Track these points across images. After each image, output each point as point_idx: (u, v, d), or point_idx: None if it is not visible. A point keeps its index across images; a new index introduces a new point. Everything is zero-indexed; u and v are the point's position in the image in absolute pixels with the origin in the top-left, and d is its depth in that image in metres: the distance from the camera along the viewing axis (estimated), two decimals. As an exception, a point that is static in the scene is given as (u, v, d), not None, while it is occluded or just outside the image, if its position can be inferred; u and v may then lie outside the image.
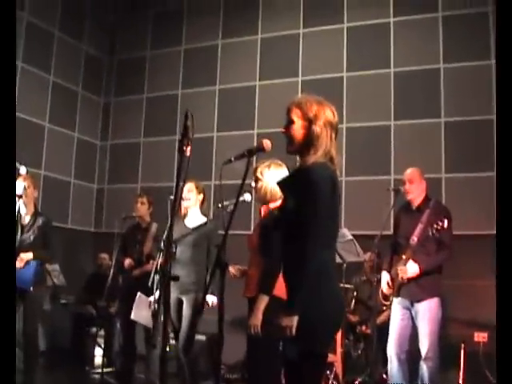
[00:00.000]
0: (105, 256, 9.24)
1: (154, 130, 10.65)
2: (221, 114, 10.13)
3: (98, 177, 11.15)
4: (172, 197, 6.01)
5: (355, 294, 7.54)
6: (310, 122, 3.40)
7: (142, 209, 7.26)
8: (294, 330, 3.13)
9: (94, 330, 8.95)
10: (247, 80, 10.01)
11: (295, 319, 3.15)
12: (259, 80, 9.92)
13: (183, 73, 10.64)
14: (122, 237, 7.25)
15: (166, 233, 5.76)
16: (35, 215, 6.30)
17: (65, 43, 10.58)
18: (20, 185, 6.08)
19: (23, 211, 6.26)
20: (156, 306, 5.60)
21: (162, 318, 3.88)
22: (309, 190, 3.25)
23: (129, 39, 11.35)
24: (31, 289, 6.02)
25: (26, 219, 6.25)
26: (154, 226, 7.14)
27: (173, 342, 6.28)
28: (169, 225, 3.68)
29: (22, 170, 5.47)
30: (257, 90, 9.91)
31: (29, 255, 6.04)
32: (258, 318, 4.11)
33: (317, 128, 3.37)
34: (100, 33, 11.36)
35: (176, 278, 3.37)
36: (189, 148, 3.56)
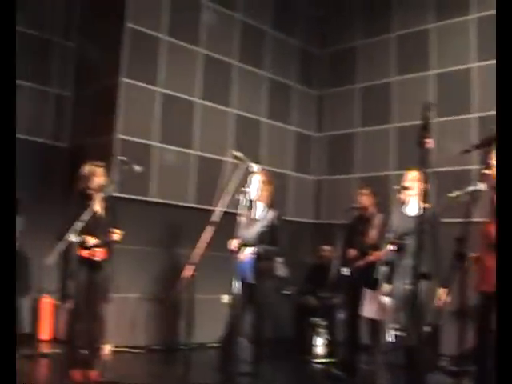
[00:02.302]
0: (326, 247, 9.29)
1: (369, 119, 10.56)
2: (437, 99, 9.75)
3: (315, 168, 11.29)
4: (396, 187, 5.93)
5: None
6: None
7: (365, 200, 7.21)
8: None
9: (315, 320, 9.05)
10: (463, 63, 9.55)
11: None
12: (478, 61, 9.42)
13: (395, 60, 10.40)
14: (347, 228, 7.23)
15: (390, 223, 5.65)
16: (267, 210, 6.40)
17: (277, 39, 10.84)
18: (256, 180, 6.20)
19: (258, 206, 6.38)
20: (385, 299, 5.52)
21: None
22: None
23: (339, 31, 11.36)
24: (250, 281, 6.10)
25: (258, 214, 6.37)
26: (379, 217, 7.06)
27: (399, 333, 6.15)
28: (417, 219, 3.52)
29: (254, 167, 5.57)
30: (473, 73, 9.42)
31: (248, 250, 6.16)
32: None
33: None
34: (311, 27, 11.49)
35: (427, 276, 3.24)
36: (429, 140, 3.38)
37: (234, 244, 6.06)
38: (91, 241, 5.88)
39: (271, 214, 6.34)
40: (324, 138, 11.31)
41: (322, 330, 9.02)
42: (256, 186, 6.23)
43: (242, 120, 10.14)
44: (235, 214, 6.15)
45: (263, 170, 5.96)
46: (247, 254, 6.11)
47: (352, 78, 10.94)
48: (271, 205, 6.42)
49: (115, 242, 6.05)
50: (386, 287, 5.79)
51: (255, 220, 6.34)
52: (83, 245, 5.85)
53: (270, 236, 6.26)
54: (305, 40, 11.38)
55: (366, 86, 10.75)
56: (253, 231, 6.25)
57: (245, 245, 6.14)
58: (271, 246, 6.23)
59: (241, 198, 5.87)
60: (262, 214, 6.37)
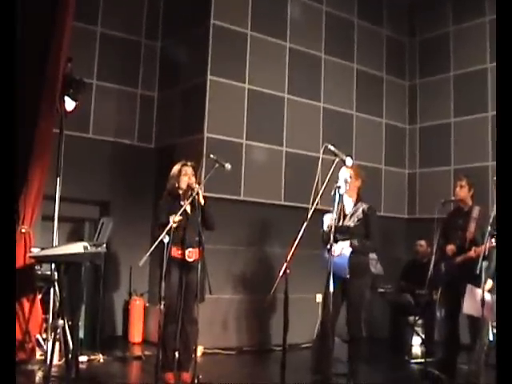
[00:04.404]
0: (422, 243, 9.15)
1: (465, 108, 10.31)
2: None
3: (408, 162, 11.19)
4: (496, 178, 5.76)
5: None
6: None
7: (463, 192, 7.04)
8: None
9: (411, 318, 8.94)
10: None
11: None
12: None
13: (490, 45, 10.12)
14: (443, 222, 7.09)
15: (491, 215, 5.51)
16: (357, 204, 6.40)
17: (365, 30, 10.76)
18: (345, 174, 6.20)
19: (347, 201, 6.36)
20: (487, 295, 5.39)
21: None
22: None
23: (428, 17, 11.17)
24: (347, 276, 6.09)
25: (348, 208, 6.35)
26: (477, 210, 6.88)
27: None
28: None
29: (348, 161, 5.51)
30: None
31: (345, 244, 6.14)
32: None
33: None
34: (399, 15, 11.36)
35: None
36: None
37: (330, 217, 6.04)
38: (175, 218, 5.92)
39: (363, 207, 6.36)
40: (417, 129, 11.16)
41: (419, 329, 8.92)
42: (345, 180, 6.21)
43: (331, 114, 10.14)
44: (327, 211, 6.17)
45: (353, 164, 5.91)
46: (341, 248, 6.10)
47: (445, 65, 10.71)
48: (359, 199, 6.44)
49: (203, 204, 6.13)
50: (488, 283, 5.66)
51: (346, 214, 6.32)
52: (175, 245, 5.96)
53: (363, 229, 6.28)
54: (393, 28, 11.25)
55: (461, 74, 10.50)
56: (346, 225, 6.23)
57: (337, 240, 6.12)
58: (365, 241, 6.24)
59: (333, 193, 5.89)
60: (352, 208, 6.37)
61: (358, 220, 6.29)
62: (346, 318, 6.24)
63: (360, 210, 6.35)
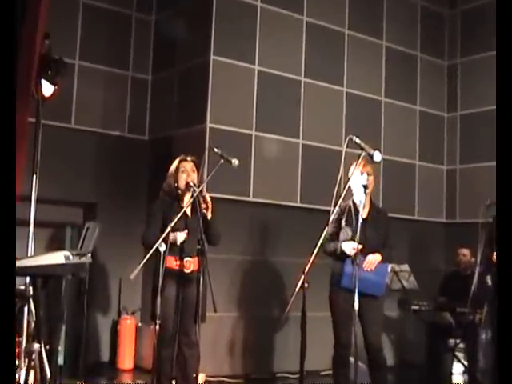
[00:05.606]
0: (465, 252, 9.09)
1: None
2: None
3: (447, 156, 11.14)
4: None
5: None
6: None
7: None
8: None
9: (452, 342, 8.88)
10: None
11: None
12: None
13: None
14: (488, 228, 7.03)
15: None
16: (373, 208, 6.43)
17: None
18: (365, 170, 6.15)
19: (360, 202, 6.31)
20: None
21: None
22: None
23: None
24: (382, 294, 6.13)
25: (365, 211, 6.29)
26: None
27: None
28: None
29: (377, 156, 5.31)
30: None
31: (377, 257, 6.12)
32: None
33: None
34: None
35: None
36: None
37: (354, 247, 5.92)
38: (180, 237, 5.90)
39: (383, 212, 6.53)
40: (457, 118, 11.14)
41: (460, 354, 8.85)
42: (364, 178, 6.15)
43: (356, 100, 10.11)
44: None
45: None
46: (373, 260, 6.09)
47: (491, 41, 10.57)
48: (372, 202, 6.50)
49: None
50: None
51: (365, 219, 6.23)
52: (172, 254, 5.91)
53: (382, 238, 6.36)
54: (430, -1, 11.22)
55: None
56: (371, 232, 6.17)
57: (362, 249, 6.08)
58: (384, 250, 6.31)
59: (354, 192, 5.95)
60: (367, 212, 6.35)
61: (382, 228, 6.34)
62: (364, 340, 6.21)
63: (380, 216, 6.43)
